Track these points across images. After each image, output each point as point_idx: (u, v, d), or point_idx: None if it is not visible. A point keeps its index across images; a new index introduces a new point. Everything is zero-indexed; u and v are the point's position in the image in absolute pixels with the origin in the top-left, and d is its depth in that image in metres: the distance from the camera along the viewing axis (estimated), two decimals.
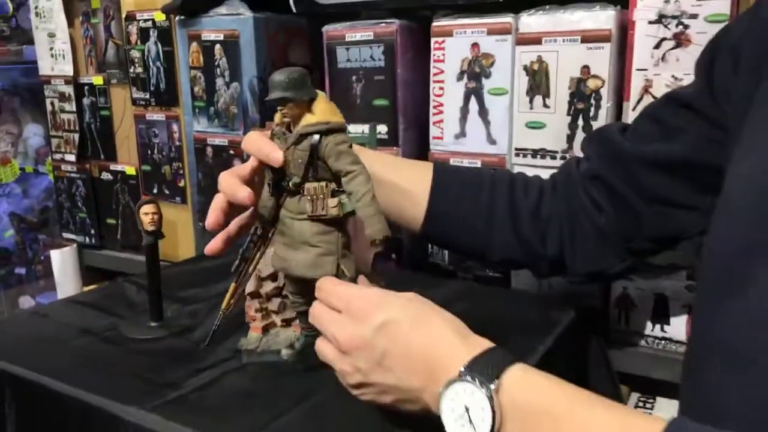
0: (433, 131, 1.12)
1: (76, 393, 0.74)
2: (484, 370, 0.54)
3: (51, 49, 1.58)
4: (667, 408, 1.03)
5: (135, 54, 1.43)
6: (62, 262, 1.63)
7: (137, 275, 1.15)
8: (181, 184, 1.44)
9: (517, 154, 1.05)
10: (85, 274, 1.68)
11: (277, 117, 0.68)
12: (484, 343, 0.57)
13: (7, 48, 1.84)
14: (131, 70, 1.45)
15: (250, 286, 0.85)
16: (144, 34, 1.41)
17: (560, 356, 0.87)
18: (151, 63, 1.42)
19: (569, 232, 0.81)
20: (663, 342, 1.00)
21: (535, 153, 1.03)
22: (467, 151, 1.09)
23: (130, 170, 1.53)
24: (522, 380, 0.54)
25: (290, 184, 0.67)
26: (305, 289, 0.71)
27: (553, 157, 1.01)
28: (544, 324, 0.90)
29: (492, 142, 1.07)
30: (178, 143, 1.43)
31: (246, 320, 0.91)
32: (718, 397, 0.54)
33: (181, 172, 1.44)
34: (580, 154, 0.97)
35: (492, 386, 0.52)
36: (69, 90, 1.57)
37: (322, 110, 0.66)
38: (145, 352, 0.85)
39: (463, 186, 0.85)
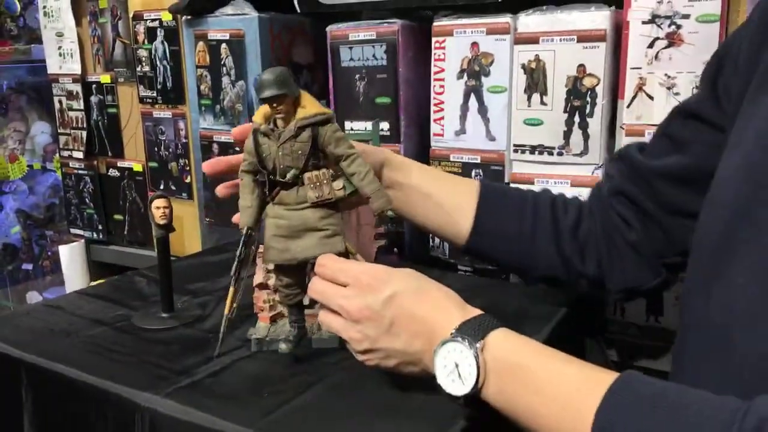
0: (434, 128, 1.15)
1: (92, 380, 0.77)
2: (472, 331, 0.61)
3: (59, 48, 1.61)
4: None
5: (142, 53, 1.46)
6: (70, 257, 1.66)
7: (146, 269, 1.18)
8: (188, 180, 1.47)
9: (516, 150, 1.08)
10: (92, 269, 1.71)
11: (259, 115, 0.72)
12: (475, 311, 0.65)
13: (15, 47, 1.87)
14: (138, 69, 1.48)
15: (258, 278, 0.89)
16: (151, 33, 1.44)
17: (556, 347, 0.91)
18: (158, 62, 1.44)
19: (606, 251, 0.84)
20: (657, 333, 1.03)
21: (533, 149, 1.06)
22: (467, 148, 1.12)
23: (137, 167, 1.56)
24: (504, 340, 0.61)
25: (287, 177, 0.71)
26: (299, 279, 0.75)
27: (551, 153, 1.05)
28: (541, 316, 0.92)
29: (491, 138, 1.10)
30: (184, 140, 1.45)
31: (255, 311, 0.94)
32: (698, 377, 0.58)
33: (188, 168, 1.47)
34: (576, 150, 1.01)
35: (477, 345, 0.60)
36: (77, 88, 1.60)
37: (312, 103, 0.71)
38: (158, 341, 0.88)
39: (508, 204, 0.88)
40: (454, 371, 0.61)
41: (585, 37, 0.99)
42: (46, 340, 0.88)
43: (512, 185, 1.09)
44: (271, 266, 0.87)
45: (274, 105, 0.69)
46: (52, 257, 2.20)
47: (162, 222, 0.91)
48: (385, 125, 1.18)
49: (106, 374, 0.77)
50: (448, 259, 1.18)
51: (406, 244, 1.22)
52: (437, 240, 1.19)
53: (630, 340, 1.05)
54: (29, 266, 2.20)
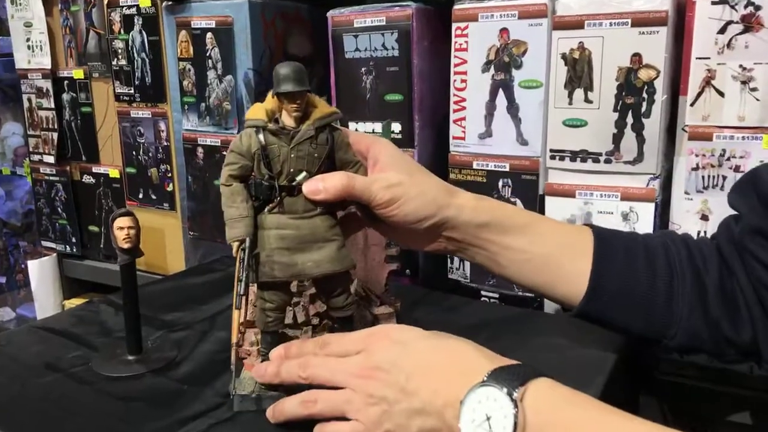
0: (454, 130, 0.98)
1: None
2: (509, 377, 0.51)
3: (27, 40, 1.44)
4: None
5: (118, 44, 1.29)
6: (41, 273, 1.49)
7: (115, 293, 1.01)
8: (169, 188, 1.30)
9: (553, 157, 0.91)
10: (65, 285, 1.54)
11: (260, 112, 0.65)
12: (506, 360, 0.54)
13: None
14: (114, 63, 1.31)
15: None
16: (128, 21, 1.27)
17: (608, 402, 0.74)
18: (135, 54, 1.28)
19: (759, 311, 0.67)
20: (724, 375, 0.86)
21: (574, 155, 0.89)
22: (493, 153, 0.96)
23: (114, 173, 1.39)
24: (549, 390, 0.51)
25: (297, 181, 0.65)
26: (287, 299, 0.69)
27: (596, 160, 0.88)
28: (589, 362, 0.76)
29: (523, 142, 0.93)
30: (165, 143, 1.29)
31: (235, 357, 0.77)
32: None
33: (170, 175, 1.30)
34: (628, 157, 0.84)
35: (516, 393, 0.49)
36: (47, 85, 1.43)
37: (321, 102, 0.66)
38: (120, 394, 0.71)
39: (631, 255, 0.70)
40: (484, 424, 0.50)
41: (641, 21, 0.82)
42: None
43: (548, 198, 0.92)
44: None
45: (297, 102, 0.63)
46: (25, 270, 2.03)
47: (126, 246, 0.75)
48: (396, 127, 1.01)
49: None
50: (469, 283, 1.01)
51: (420, 265, 1.05)
52: (457, 260, 1.02)
53: (689, 384, 0.88)
54: (2, 279, 2.03)
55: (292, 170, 0.65)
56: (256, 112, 0.66)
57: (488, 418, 0.49)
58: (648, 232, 0.84)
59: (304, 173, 0.65)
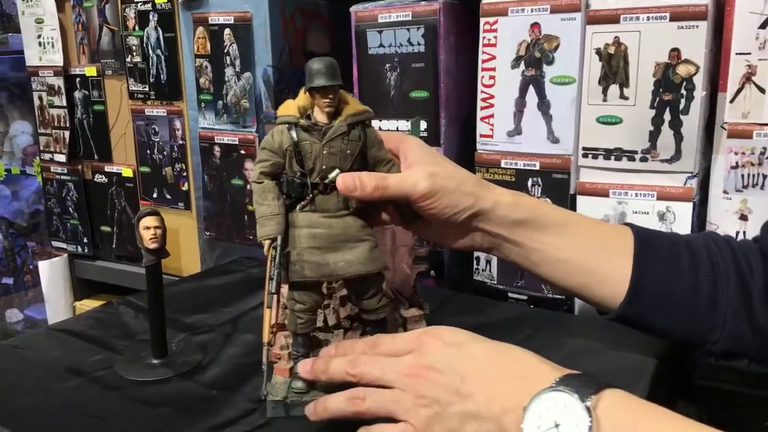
0: (481, 128, 0.96)
1: None
2: (580, 384, 0.48)
3: (39, 36, 1.42)
4: None
5: (132, 41, 1.27)
6: (51, 274, 1.47)
7: (134, 295, 0.99)
8: (185, 187, 1.28)
9: (585, 155, 0.89)
10: (76, 286, 1.52)
11: (292, 108, 0.64)
12: (564, 368, 0.52)
13: None
14: (128, 60, 1.28)
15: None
16: (143, 18, 1.25)
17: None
18: (150, 51, 1.25)
19: None
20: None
21: (608, 153, 0.87)
22: (522, 152, 0.93)
23: (127, 172, 1.36)
24: (622, 400, 0.48)
25: (329, 178, 0.63)
26: (320, 300, 0.67)
27: (631, 159, 0.85)
28: (629, 366, 0.74)
29: (554, 140, 0.90)
30: (181, 142, 1.26)
31: (266, 360, 0.75)
32: None
33: (185, 174, 1.27)
34: (665, 155, 0.82)
35: (589, 400, 0.46)
36: (59, 82, 1.40)
37: (352, 99, 0.65)
38: (147, 399, 0.69)
39: (674, 257, 0.67)
40: (552, 431, 0.47)
41: (681, 15, 0.80)
42: (5, 398, 0.69)
43: (580, 197, 0.90)
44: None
45: (329, 96, 0.62)
46: (33, 271, 2.00)
47: (153, 246, 0.72)
48: (421, 124, 0.99)
49: None
50: (496, 284, 0.99)
51: (445, 265, 1.03)
52: (483, 261, 1.00)
53: (726, 389, 0.86)
54: (10, 280, 2.00)
55: (324, 167, 0.63)
56: (288, 108, 0.65)
57: (557, 425, 0.46)
58: (689, 233, 0.82)
59: (336, 170, 0.64)
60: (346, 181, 0.62)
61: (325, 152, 0.63)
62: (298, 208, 0.65)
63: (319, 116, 0.64)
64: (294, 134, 0.63)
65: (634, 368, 0.74)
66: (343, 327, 0.76)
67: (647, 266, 0.67)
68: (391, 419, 0.55)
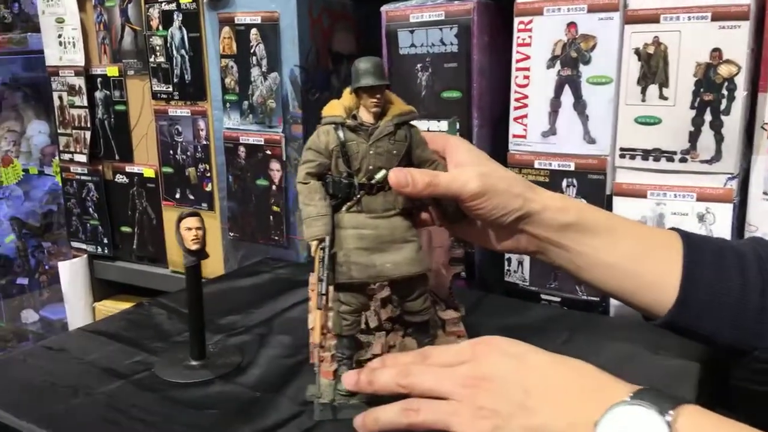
0: (514, 128, 0.95)
1: None
2: (657, 399, 0.46)
3: (59, 36, 1.41)
4: None
5: (156, 41, 1.26)
6: (71, 275, 1.46)
7: (166, 297, 0.98)
8: (208, 188, 1.27)
9: (623, 155, 0.88)
10: (96, 287, 1.51)
11: (337, 108, 0.64)
12: (631, 384, 0.50)
13: (9, 36, 1.65)
14: (151, 60, 1.28)
15: (320, 317, 0.69)
16: (167, 17, 1.24)
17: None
18: (174, 51, 1.24)
19: None
20: None
21: (646, 154, 0.86)
22: (557, 152, 0.92)
23: (149, 172, 1.36)
24: (701, 416, 0.47)
25: (377, 178, 0.63)
26: (366, 301, 0.67)
27: (670, 159, 0.85)
28: (674, 371, 0.73)
29: (590, 140, 0.90)
30: (205, 142, 1.26)
31: (311, 360, 0.74)
32: None
33: (209, 174, 1.27)
34: (705, 156, 0.81)
35: (668, 415, 0.45)
36: (80, 82, 1.40)
37: (396, 99, 0.65)
38: (191, 402, 0.68)
39: (722, 263, 0.66)
40: None
41: (722, 15, 0.79)
42: (49, 401, 0.69)
43: (616, 198, 0.89)
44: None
45: (376, 96, 0.62)
46: (49, 271, 1.99)
47: (195, 247, 0.72)
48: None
49: None
50: (528, 285, 0.98)
51: (475, 266, 1.02)
52: (515, 262, 0.99)
53: (762, 391, 0.85)
54: (24, 280, 1.99)
55: (370, 167, 0.63)
56: (334, 108, 0.65)
57: None
58: (737, 239, 0.82)
59: (383, 171, 0.63)
60: (398, 176, 0.62)
61: (371, 152, 0.63)
62: (344, 208, 0.65)
63: (365, 116, 0.64)
64: (341, 134, 0.63)
65: (677, 373, 0.73)
66: (384, 329, 0.76)
67: (696, 272, 0.66)
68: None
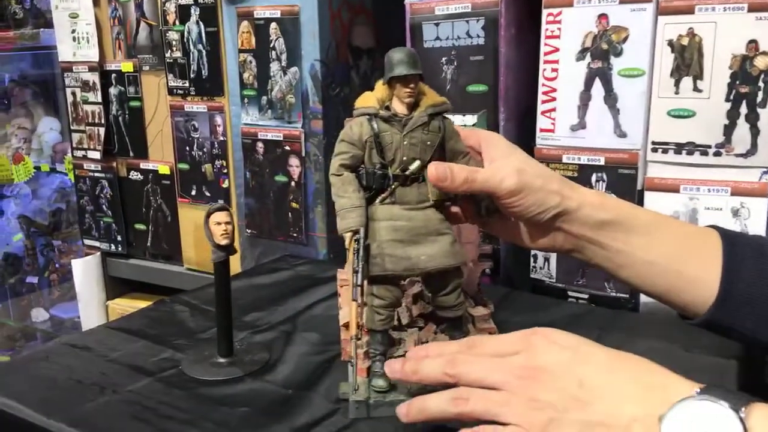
0: (542, 122, 0.94)
1: None
2: (727, 395, 0.44)
3: (73, 31, 1.39)
4: None
5: (173, 36, 1.25)
6: (84, 272, 1.45)
7: (188, 294, 0.97)
8: (225, 184, 1.26)
9: (655, 149, 0.86)
10: (109, 285, 1.50)
11: (371, 100, 0.63)
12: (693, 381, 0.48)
13: (21, 32, 1.64)
14: (168, 55, 1.26)
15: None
16: (184, 12, 1.22)
17: None
18: (191, 46, 1.23)
19: None
20: None
21: (679, 147, 0.85)
22: (587, 146, 0.91)
23: (164, 169, 1.34)
24: None
25: (411, 169, 0.62)
26: (400, 295, 0.65)
27: (704, 153, 0.83)
28: (708, 368, 0.71)
29: (621, 134, 0.88)
30: (222, 138, 1.24)
31: (342, 357, 0.73)
32: None
33: (225, 171, 1.25)
34: (740, 149, 0.79)
35: (742, 411, 0.43)
36: (94, 78, 1.38)
37: (429, 90, 0.64)
38: (221, 399, 0.67)
39: (762, 260, 0.64)
40: None
41: (759, 6, 0.77)
42: (75, 400, 0.67)
43: (648, 193, 0.88)
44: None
45: (410, 86, 0.61)
46: (60, 269, 1.97)
47: (224, 241, 0.70)
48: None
49: None
50: (554, 282, 0.97)
51: (501, 262, 1.01)
52: (541, 259, 0.98)
53: None
54: (34, 279, 1.97)
55: (405, 158, 0.62)
56: (367, 99, 0.64)
57: None
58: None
59: (417, 162, 0.63)
60: (438, 170, 0.60)
61: (405, 143, 0.62)
62: (377, 200, 0.64)
63: (398, 107, 0.63)
64: (375, 125, 0.62)
65: (714, 370, 0.72)
66: (416, 325, 0.74)
67: (736, 269, 0.64)
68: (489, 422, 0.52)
